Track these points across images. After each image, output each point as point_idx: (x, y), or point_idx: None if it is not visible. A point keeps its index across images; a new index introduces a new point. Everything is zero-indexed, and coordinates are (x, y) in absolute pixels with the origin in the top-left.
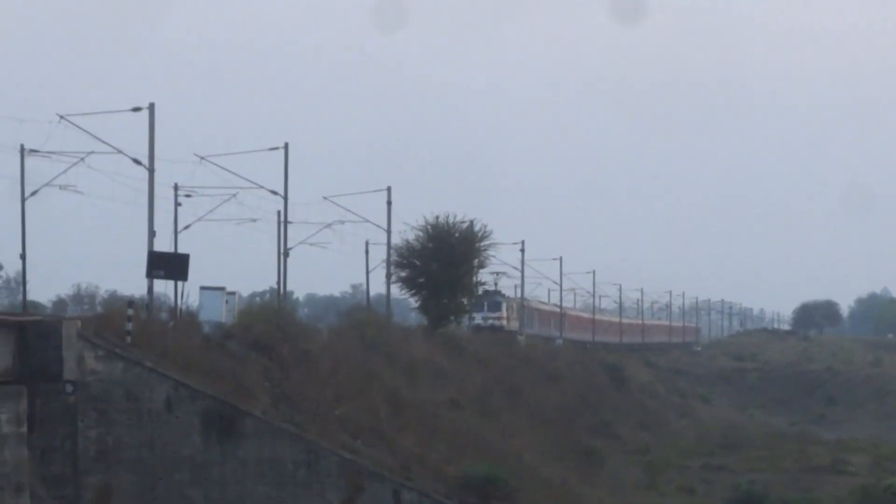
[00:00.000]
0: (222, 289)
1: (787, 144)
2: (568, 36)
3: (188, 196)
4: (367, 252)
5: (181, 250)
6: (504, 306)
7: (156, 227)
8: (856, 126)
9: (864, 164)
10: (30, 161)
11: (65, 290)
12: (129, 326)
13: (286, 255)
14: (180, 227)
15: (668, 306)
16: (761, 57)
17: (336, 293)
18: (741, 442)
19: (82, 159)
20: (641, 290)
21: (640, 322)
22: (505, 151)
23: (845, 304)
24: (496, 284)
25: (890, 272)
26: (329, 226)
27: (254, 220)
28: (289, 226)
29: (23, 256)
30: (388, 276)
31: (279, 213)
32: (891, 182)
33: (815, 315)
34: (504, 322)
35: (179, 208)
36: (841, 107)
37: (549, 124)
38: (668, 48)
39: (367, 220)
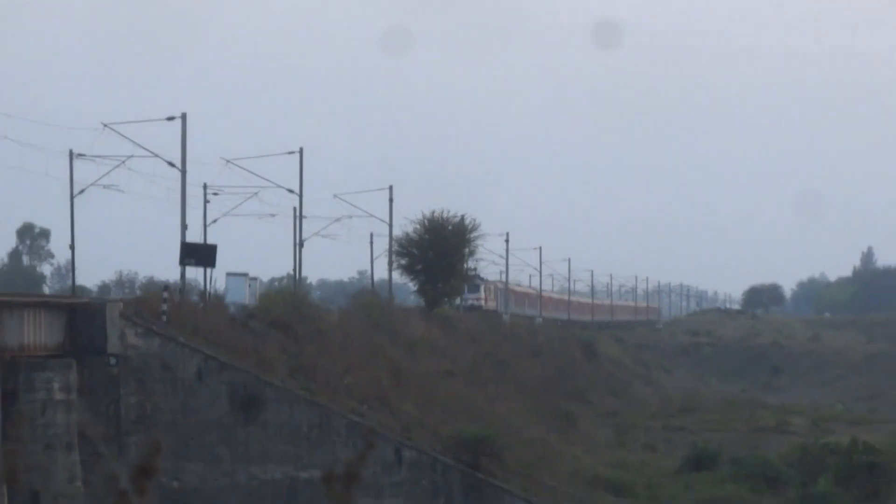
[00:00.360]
0: (245, 274)
1: (739, 149)
2: (552, 57)
3: (216, 194)
4: (371, 243)
5: (210, 241)
6: (482, 289)
7: (188, 222)
8: (800, 133)
9: (807, 166)
10: (78, 164)
11: (108, 276)
12: (165, 307)
13: (301, 245)
14: (209, 221)
15: (634, 289)
16: (714, 73)
17: (345, 278)
18: (698, 406)
19: (123, 162)
20: (611, 276)
21: (609, 303)
22: (494, 156)
23: (788, 287)
24: (475, 270)
25: (827, 259)
26: (338, 220)
27: (273, 215)
28: (303, 220)
29: (72, 247)
30: (390, 263)
31: (295, 208)
32: (829, 182)
33: (761, 296)
34: (483, 302)
35: (208, 205)
36: (787, 115)
37: (534, 133)
38: (640, 67)
39: (373, 216)
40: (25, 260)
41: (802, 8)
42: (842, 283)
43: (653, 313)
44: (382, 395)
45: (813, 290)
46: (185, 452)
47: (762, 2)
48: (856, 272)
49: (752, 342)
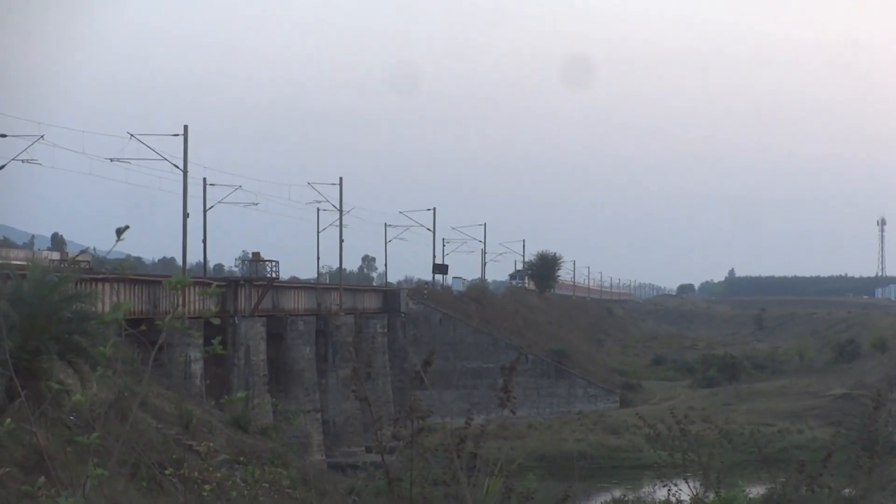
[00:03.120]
0: (461, 277)
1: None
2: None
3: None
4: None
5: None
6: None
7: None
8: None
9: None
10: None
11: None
12: (425, 292)
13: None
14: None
15: (619, 282)
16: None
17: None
18: (656, 337)
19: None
20: (601, 273)
21: (608, 290)
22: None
23: (697, 283)
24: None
25: (713, 269)
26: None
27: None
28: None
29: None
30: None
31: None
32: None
33: (685, 289)
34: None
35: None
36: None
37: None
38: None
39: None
40: None
41: None
42: (721, 283)
43: (626, 297)
44: (519, 331)
45: (708, 286)
46: (435, 355)
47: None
48: (726, 279)
49: (681, 309)
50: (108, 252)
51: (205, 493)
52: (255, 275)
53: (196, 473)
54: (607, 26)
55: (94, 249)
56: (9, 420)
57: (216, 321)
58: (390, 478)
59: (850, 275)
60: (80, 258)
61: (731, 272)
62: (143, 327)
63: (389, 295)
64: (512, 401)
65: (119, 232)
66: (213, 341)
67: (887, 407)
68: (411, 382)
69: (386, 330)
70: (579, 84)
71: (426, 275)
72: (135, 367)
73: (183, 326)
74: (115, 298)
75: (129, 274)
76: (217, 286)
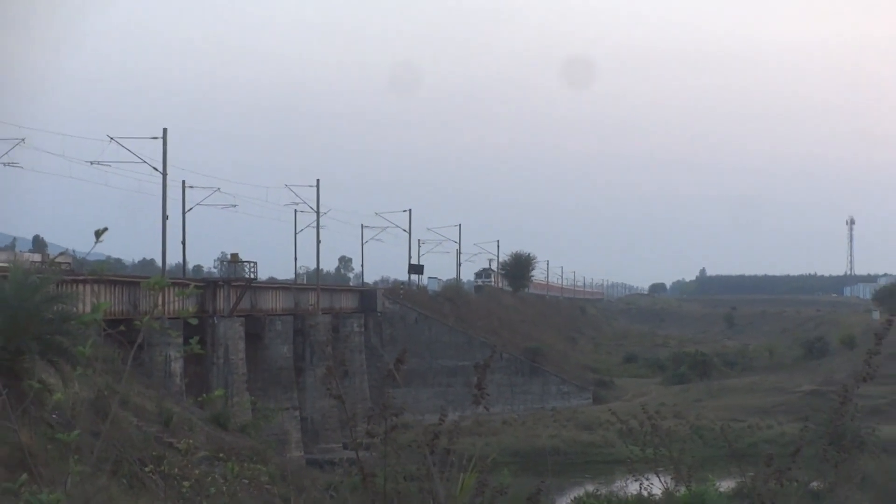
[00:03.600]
0: (437, 278)
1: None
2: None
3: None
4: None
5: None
6: (494, 276)
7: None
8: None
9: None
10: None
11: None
12: (401, 292)
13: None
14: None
15: (592, 281)
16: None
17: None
18: (627, 335)
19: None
20: (574, 272)
21: (581, 288)
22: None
23: (668, 283)
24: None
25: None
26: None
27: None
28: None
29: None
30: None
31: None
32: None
33: (657, 288)
34: (493, 282)
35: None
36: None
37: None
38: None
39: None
40: None
41: None
42: (693, 282)
43: (598, 296)
44: (494, 330)
45: (679, 285)
46: (409, 353)
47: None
48: (697, 277)
49: (652, 307)
50: (88, 253)
51: (185, 490)
52: (233, 275)
53: (176, 470)
54: (593, 26)
55: (74, 251)
56: None
57: (193, 321)
58: (364, 474)
59: (819, 273)
60: (59, 259)
61: (703, 271)
62: (121, 327)
63: (366, 295)
64: (486, 398)
65: (98, 234)
66: (190, 341)
67: (853, 402)
68: (384, 381)
69: (363, 329)
70: (553, 86)
71: (402, 275)
72: (115, 367)
73: (161, 326)
74: (94, 300)
75: (108, 275)
76: (194, 287)
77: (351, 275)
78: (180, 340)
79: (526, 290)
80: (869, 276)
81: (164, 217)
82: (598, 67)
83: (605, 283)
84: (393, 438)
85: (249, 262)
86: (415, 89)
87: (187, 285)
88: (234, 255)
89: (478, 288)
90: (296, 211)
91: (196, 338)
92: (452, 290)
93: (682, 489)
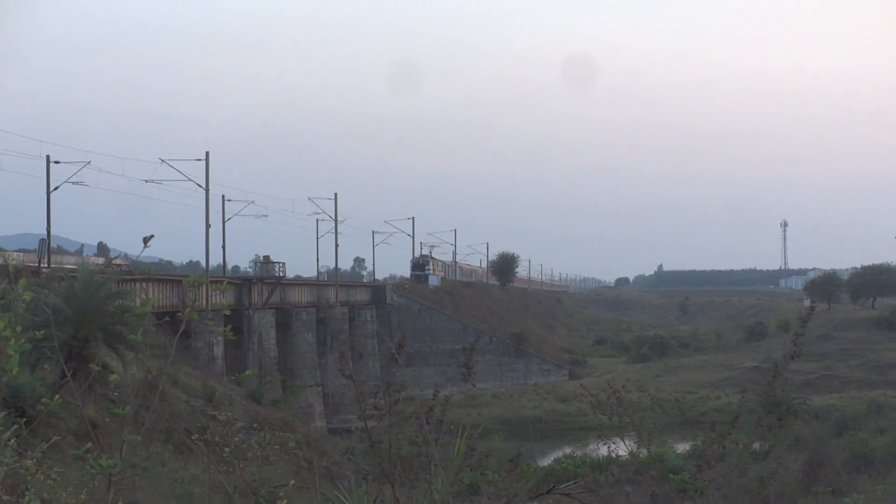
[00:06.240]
0: (438, 274)
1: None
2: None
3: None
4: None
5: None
6: (431, 264)
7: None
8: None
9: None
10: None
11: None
12: (407, 286)
13: (209, 226)
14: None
15: (560, 275)
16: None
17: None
18: (597, 321)
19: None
20: (541, 265)
21: (548, 281)
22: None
23: (632, 276)
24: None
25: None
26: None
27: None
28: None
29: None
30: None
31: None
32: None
33: (622, 282)
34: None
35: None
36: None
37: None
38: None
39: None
40: None
41: None
42: (652, 276)
43: (562, 288)
44: (484, 318)
45: (640, 279)
46: (414, 338)
47: None
48: (656, 272)
49: (618, 298)
50: (138, 256)
51: (225, 454)
52: (265, 274)
53: (218, 438)
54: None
55: (125, 255)
56: (57, 395)
57: (227, 313)
58: (372, 441)
59: (758, 268)
60: (118, 262)
61: (660, 267)
62: (166, 318)
63: (377, 290)
64: (472, 375)
65: (145, 240)
66: (224, 329)
67: (784, 376)
68: (390, 362)
69: (374, 318)
70: (549, 95)
71: (407, 272)
72: (165, 352)
73: (199, 317)
74: (143, 295)
75: (157, 275)
76: (228, 283)
77: (364, 272)
78: (222, 329)
79: (511, 284)
80: (801, 270)
81: (207, 226)
82: (593, 73)
83: (578, 278)
84: (397, 411)
85: (279, 263)
86: (421, 110)
87: (222, 282)
88: (267, 257)
89: (417, 278)
90: (317, 220)
91: (229, 326)
92: (450, 285)
93: (644, 451)
